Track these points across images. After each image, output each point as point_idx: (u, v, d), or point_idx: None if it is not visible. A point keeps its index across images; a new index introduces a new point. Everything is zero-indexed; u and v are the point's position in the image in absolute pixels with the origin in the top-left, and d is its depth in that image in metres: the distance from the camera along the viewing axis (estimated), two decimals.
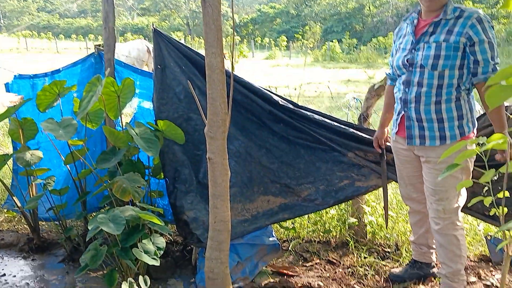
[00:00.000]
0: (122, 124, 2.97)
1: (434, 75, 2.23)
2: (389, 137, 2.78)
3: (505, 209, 1.74)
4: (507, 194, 1.73)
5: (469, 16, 2.16)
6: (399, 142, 2.52)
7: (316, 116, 2.92)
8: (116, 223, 2.22)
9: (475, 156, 2.30)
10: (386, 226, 3.07)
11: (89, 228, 2.24)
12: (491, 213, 1.81)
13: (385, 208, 2.93)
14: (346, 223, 3.27)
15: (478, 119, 2.49)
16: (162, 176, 2.99)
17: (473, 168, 2.36)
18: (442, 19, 2.23)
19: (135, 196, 2.47)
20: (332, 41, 30.18)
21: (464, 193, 2.40)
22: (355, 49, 30.27)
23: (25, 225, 3.57)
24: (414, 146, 2.40)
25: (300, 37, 41.45)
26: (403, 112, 2.41)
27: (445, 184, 2.28)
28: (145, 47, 9.66)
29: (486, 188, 2.36)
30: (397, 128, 2.49)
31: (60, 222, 3.17)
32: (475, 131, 2.34)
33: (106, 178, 2.83)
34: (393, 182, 2.93)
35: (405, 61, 2.34)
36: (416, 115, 2.33)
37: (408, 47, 2.35)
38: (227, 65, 2.59)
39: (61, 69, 3.31)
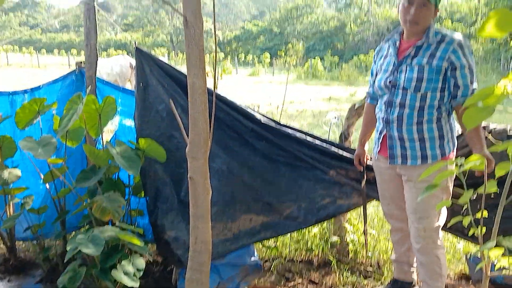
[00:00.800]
0: (102, 142, 2.94)
1: (417, 97, 2.27)
2: (368, 156, 2.81)
3: (484, 229, 1.77)
4: (485, 214, 1.75)
5: (451, 41, 2.22)
6: (381, 161, 2.55)
7: (298, 134, 2.94)
8: (95, 244, 2.18)
9: (454, 175, 2.33)
10: (366, 248, 3.10)
11: (68, 248, 2.20)
12: (470, 233, 1.83)
13: (365, 229, 2.96)
14: (328, 241, 3.27)
15: (457, 138, 2.53)
16: (143, 195, 2.96)
17: (455, 188, 2.39)
18: (424, 42, 2.28)
19: (115, 216, 2.44)
20: (314, 59, 30.53)
21: (444, 212, 2.43)
22: (336, 66, 30.67)
23: (1, 245, 3.48)
24: (396, 165, 2.42)
25: (283, 54, 41.86)
26: (385, 131, 2.44)
27: (425, 203, 2.30)
28: (128, 63, 9.62)
29: (465, 207, 2.40)
30: (379, 147, 2.52)
31: (38, 241, 3.10)
32: (455, 151, 2.38)
33: (86, 197, 2.79)
34: (375, 200, 2.95)
35: (387, 83, 2.37)
36: (398, 134, 2.36)
37: (390, 68, 2.38)
38: (210, 83, 2.59)
39: (41, 86, 3.28)
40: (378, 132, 2.51)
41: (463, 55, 2.20)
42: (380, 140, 2.49)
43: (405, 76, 2.29)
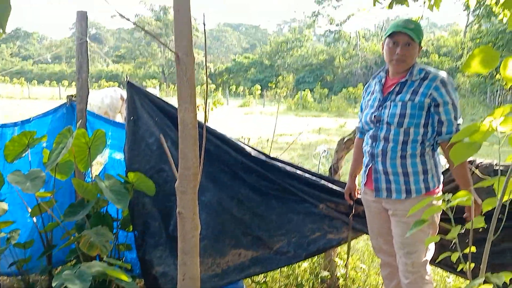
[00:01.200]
0: (92, 176, 2.93)
1: (400, 131, 2.32)
2: (359, 189, 2.82)
3: (472, 264, 1.77)
4: (473, 249, 1.76)
5: (434, 78, 2.28)
6: (368, 194, 2.57)
7: (288, 168, 2.95)
8: (82, 280, 2.14)
9: (441, 210, 2.35)
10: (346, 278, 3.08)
11: (53, 284, 2.15)
12: (459, 269, 1.83)
13: (347, 263, 2.95)
14: (319, 276, 3.24)
15: (443, 173, 2.56)
16: (131, 229, 2.93)
17: (441, 222, 2.40)
18: (408, 79, 2.34)
19: (103, 251, 2.41)
20: (304, 91, 30.90)
21: (432, 246, 2.43)
22: (326, 98, 31.05)
23: None
24: (382, 198, 2.45)
25: (274, 86, 42.32)
26: (370, 165, 2.47)
27: (413, 238, 2.31)
28: (119, 95, 9.61)
29: (453, 242, 2.40)
30: (365, 180, 2.55)
31: (23, 277, 3.03)
32: (440, 186, 2.41)
33: (74, 231, 2.76)
34: (365, 234, 2.94)
35: (373, 118, 2.43)
36: (383, 168, 2.39)
37: (376, 104, 2.44)
38: (201, 115, 2.61)
39: (31, 118, 3.27)
40: (365, 166, 2.55)
41: (446, 92, 2.25)
42: (366, 173, 2.53)
43: (388, 112, 2.35)
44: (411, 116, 2.28)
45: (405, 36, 2.28)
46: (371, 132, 2.46)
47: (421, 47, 2.38)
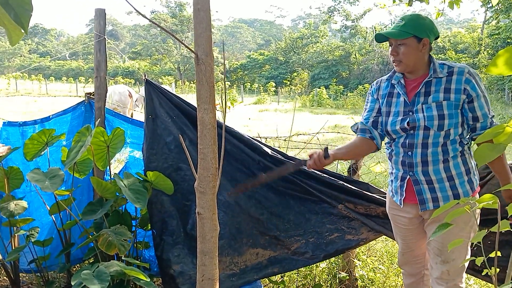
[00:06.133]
0: (110, 174, 2.93)
1: (440, 134, 2.16)
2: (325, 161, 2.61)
3: (497, 269, 1.72)
4: (499, 253, 1.71)
5: (461, 71, 2.13)
6: (406, 211, 2.35)
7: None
8: (100, 280, 2.14)
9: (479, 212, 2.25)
10: None
11: (72, 283, 2.16)
12: (483, 273, 1.78)
13: None
14: (337, 277, 3.21)
15: None
16: (149, 227, 2.93)
17: None
18: (432, 78, 2.18)
19: (121, 250, 2.41)
20: (320, 88, 30.76)
21: (469, 254, 2.26)
22: (341, 95, 30.85)
23: (4, 277, 3.44)
24: (427, 210, 2.26)
25: (288, 83, 42.22)
26: (408, 177, 2.28)
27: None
28: (127, 91, 9.68)
29: (474, 244, 2.33)
30: (404, 195, 2.31)
31: (42, 274, 3.06)
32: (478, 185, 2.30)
33: (92, 230, 2.77)
34: (384, 236, 2.89)
35: (405, 125, 2.23)
36: (425, 177, 2.22)
37: (402, 109, 2.26)
38: (219, 115, 2.58)
39: (51, 116, 3.29)
40: (399, 179, 2.32)
41: (476, 84, 2.12)
42: (405, 187, 2.30)
43: (424, 116, 2.17)
44: (450, 117, 2.13)
45: (392, 39, 2.20)
46: (402, 139, 2.26)
47: (426, 40, 2.17)
